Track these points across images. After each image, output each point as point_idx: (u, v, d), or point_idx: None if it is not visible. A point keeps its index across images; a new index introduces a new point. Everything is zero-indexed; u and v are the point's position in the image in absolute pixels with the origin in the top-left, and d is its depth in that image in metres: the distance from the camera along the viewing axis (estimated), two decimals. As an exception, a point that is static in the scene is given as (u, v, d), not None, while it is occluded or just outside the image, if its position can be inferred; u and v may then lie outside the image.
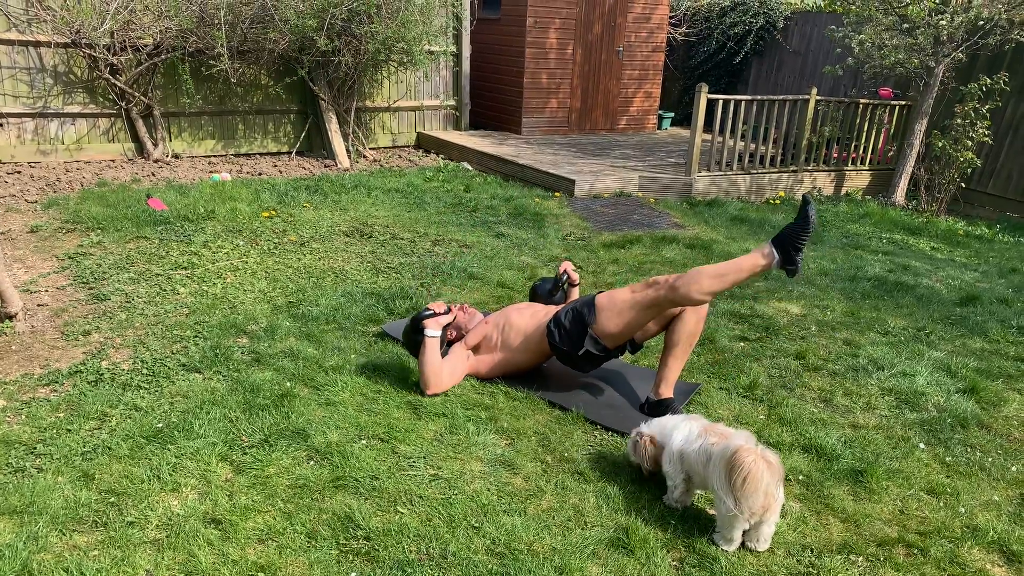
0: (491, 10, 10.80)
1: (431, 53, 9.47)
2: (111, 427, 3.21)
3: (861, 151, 9.19)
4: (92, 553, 2.47)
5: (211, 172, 8.22)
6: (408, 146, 10.50)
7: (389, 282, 5.17)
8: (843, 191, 9.21)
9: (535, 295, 4.27)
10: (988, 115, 8.00)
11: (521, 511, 2.81)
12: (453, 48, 10.22)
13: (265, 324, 4.35)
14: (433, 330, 3.69)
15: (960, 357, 4.29)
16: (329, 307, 4.63)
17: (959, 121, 8.07)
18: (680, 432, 2.80)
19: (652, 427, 2.96)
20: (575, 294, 4.33)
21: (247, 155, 9.22)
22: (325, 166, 8.97)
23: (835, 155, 9.07)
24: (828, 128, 8.78)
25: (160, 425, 3.26)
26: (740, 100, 8.16)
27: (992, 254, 6.83)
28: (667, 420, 2.96)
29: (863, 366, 4.11)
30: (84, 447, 3.05)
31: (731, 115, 8.08)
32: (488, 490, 2.94)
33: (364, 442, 3.22)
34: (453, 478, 3.00)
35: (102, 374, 3.67)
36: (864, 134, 9.09)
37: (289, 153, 9.44)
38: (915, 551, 2.67)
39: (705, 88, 7.85)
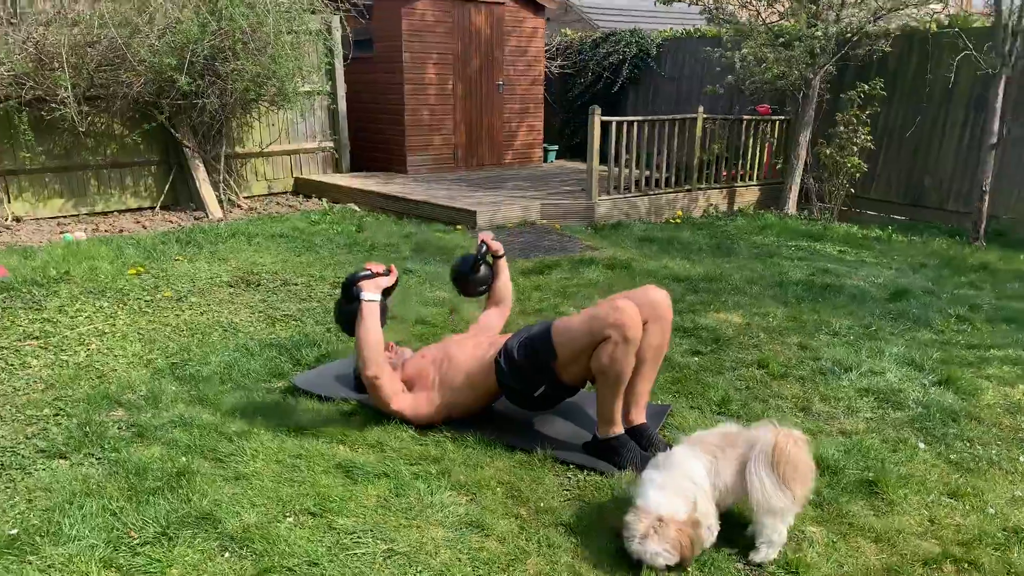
0: (364, 49, 10.33)
1: (306, 93, 8.87)
2: (-56, 543, 2.42)
3: (748, 167, 9.26)
4: None
5: (62, 232, 7.23)
6: (285, 192, 9.77)
7: (289, 331, 4.50)
8: (735, 207, 9.24)
9: (458, 278, 3.65)
10: (868, 121, 8.21)
11: (506, 582, 2.25)
12: (328, 87, 9.65)
13: (145, 391, 3.61)
14: (371, 293, 3.11)
15: (918, 350, 4.09)
16: (221, 364, 3.92)
17: (842, 129, 8.24)
18: (695, 467, 2.31)
19: (665, 498, 2.24)
20: (503, 268, 3.75)
21: (103, 213, 8.24)
22: (196, 219, 8.12)
23: (724, 173, 9.09)
24: (717, 145, 8.79)
25: (14, 531, 2.49)
26: (632, 121, 8.02)
27: (895, 253, 6.89)
28: (668, 480, 2.29)
29: (829, 368, 3.82)
30: (-95, 575, 2.26)
31: (624, 136, 7.91)
32: (459, 560, 2.36)
33: (291, 519, 2.58)
34: (412, 551, 2.40)
35: (-70, 474, 2.85)
36: (750, 150, 9.17)
37: (153, 208, 8.52)
38: (965, 565, 2.31)
39: (598, 110, 7.66)
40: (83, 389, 3.62)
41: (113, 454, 3.00)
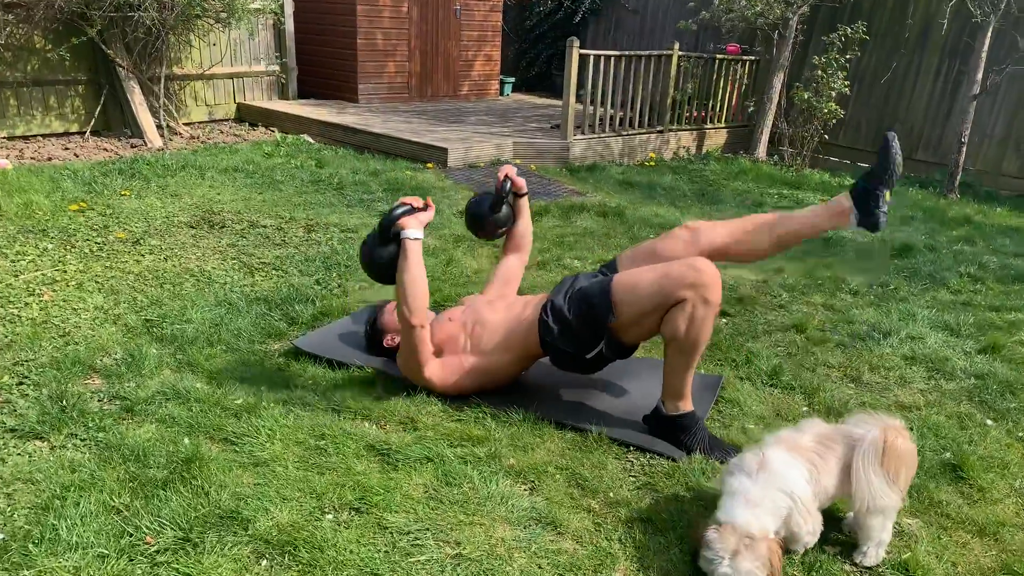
0: (312, -37, 9.50)
1: (255, 10, 8.08)
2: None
3: (718, 109, 9.02)
4: None
5: (-19, 159, 6.43)
6: (227, 119, 9.01)
7: (272, 282, 4.05)
8: (704, 150, 9.02)
9: (474, 219, 3.21)
10: (847, 66, 8.04)
11: (601, 593, 1.98)
12: (276, 4, 8.84)
13: (121, 354, 3.14)
14: (414, 230, 2.75)
15: (947, 313, 3.96)
16: (206, 323, 3.47)
17: (819, 73, 8.05)
18: (794, 479, 2.04)
19: (756, 517, 1.94)
20: (525, 209, 3.34)
21: (25, 138, 7.39)
22: (132, 146, 7.37)
23: (694, 114, 8.83)
24: (691, 85, 8.49)
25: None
26: (610, 56, 7.61)
27: (875, 203, 6.79)
28: (763, 494, 1.98)
29: (867, 333, 3.64)
30: None
31: (601, 72, 7.51)
32: (540, 568, 2.07)
33: (331, 517, 2.23)
34: (483, 556, 2.10)
35: None
36: (721, 91, 8.91)
37: (82, 133, 7.70)
38: (1080, 562, 2.16)
39: (576, 42, 7.22)
40: (47, 351, 3.13)
41: (100, 434, 2.57)
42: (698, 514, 2.28)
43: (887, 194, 2.55)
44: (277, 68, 9.20)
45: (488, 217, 3.18)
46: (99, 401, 2.80)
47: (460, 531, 2.19)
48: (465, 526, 2.22)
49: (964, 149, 7.28)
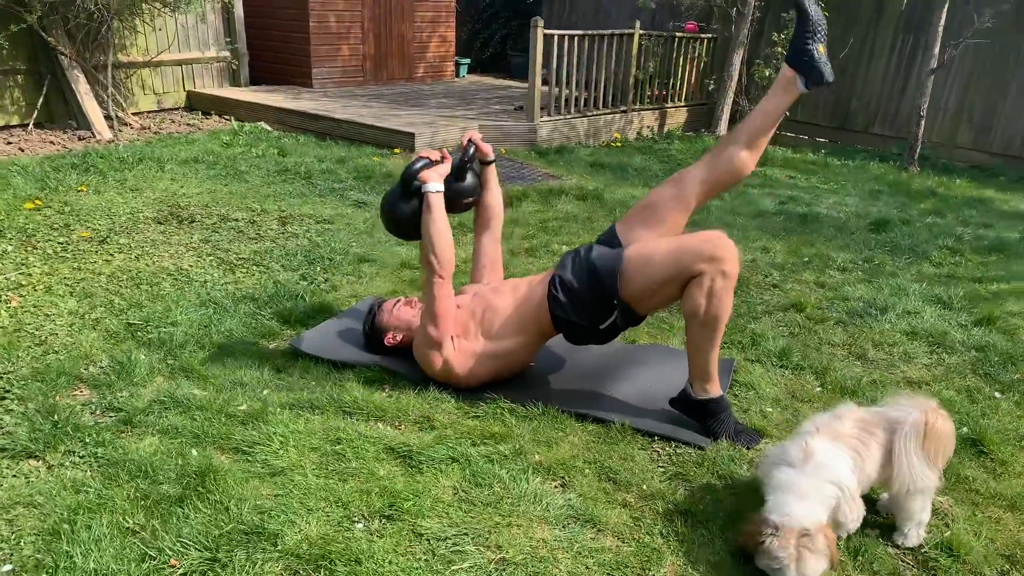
0: (260, -57, 9.17)
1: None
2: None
3: (678, 87, 9.02)
4: None
5: (-81, 156, 6.04)
6: (178, 108, 8.66)
7: (255, 279, 3.89)
8: (665, 129, 9.02)
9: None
10: (806, 42, 8.09)
11: (655, 591, 1.94)
12: (223, -13, 8.51)
13: (108, 362, 2.97)
14: (435, 183, 2.73)
15: (936, 286, 4.02)
16: (193, 325, 3.31)
17: (779, 49, 8.10)
18: (841, 468, 2.02)
19: (810, 510, 1.91)
20: (493, 177, 3.15)
21: (-38, 132, 6.99)
22: (80, 139, 7.02)
23: (655, 93, 8.82)
24: (652, 64, 8.46)
25: (8, 568, 1.93)
26: (574, 35, 7.53)
27: (840, 179, 6.91)
28: (812, 486, 1.95)
29: (864, 310, 3.67)
30: None
31: (565, 52, 7.42)
32: (587, 568, 2.02)
33: (362, 526, 2.14)
34: (526, 560, 2.04)
35: None
36: (681, 69, 8.92)
37: (24, 126, 7.29)
38: (1108, 531, 2.20)
39: (540, 22, 7.11)
40: (25, 361, 2.94)
41: (100, 450, 2.42)
42: (734, 504, 2.25)
43: (820, 47, 2.56)
44: (228, 54, 8.88)
45: (451, 185, 2.86)
46: (92, 413, 2.64)
47: (499, 534, 2.12)
48: (503, 528, 2.15)
49: (923, 123, 7.43)
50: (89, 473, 2.32)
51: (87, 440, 2.46)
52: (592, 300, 2.63)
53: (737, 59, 8.61)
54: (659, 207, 2.69)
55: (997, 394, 2.94)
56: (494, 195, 3.20)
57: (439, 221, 2.72)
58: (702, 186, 2.67)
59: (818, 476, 1.96)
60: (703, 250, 2.45)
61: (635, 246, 2.63)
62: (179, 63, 8.52)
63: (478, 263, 3.20)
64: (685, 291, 2.49)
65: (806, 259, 4.42)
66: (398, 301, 3.10)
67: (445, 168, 2.83)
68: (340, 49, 9.59)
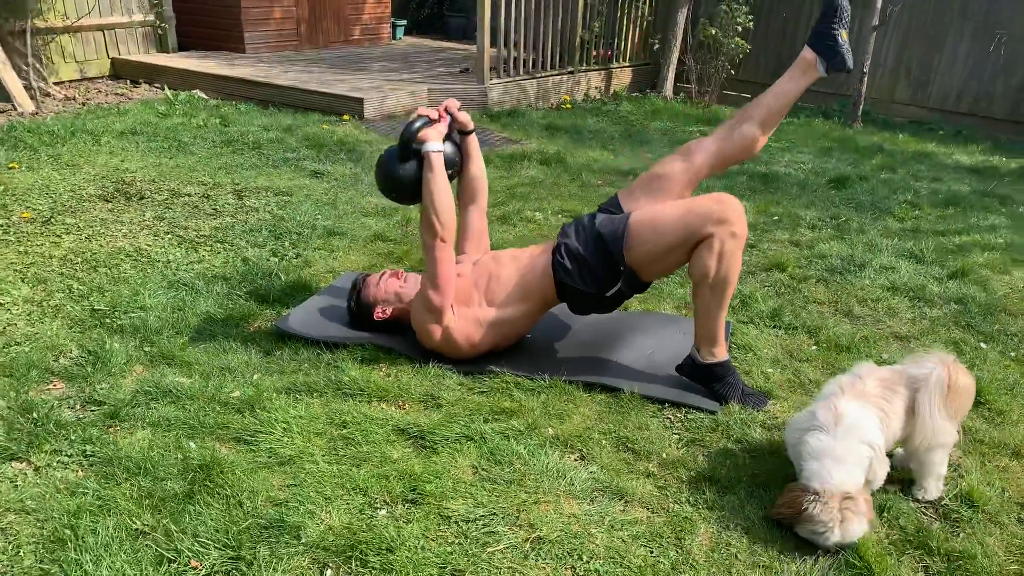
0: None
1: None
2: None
3: (623, 47, 8.97)
4: None
5: None
6: (102, 76, 8.16)
7: (221, 257, 3.70)
8: (612, 90, 8.98)
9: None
10: (750, 0, 8.14)
11: (690, 563, 1.92)
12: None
13: (78, 353, 2.78)
14: (435, 142, 2.64)
15: (904, 240, 4.11)
16: (165, 309, 3.12)
17: (724, 8, 8.11)
18: (871, 428, 2.03)
19: (848, 473, 1.94)
20: (475, 148, 3.03)
21: None
22: (0, 111, 6.55)
23: (601, 53, 8.75)
24: (598, 24, 8.37)
25: (10, 581, 1.80)
26: (521, -6, 7.36)
27: (789, 137, 6.99)
28: (846, 449, 1.97)
29: (843, 267, 3.72)
30: None
31: (513, 11, 7.27)
32: (622, 541, 1.99)
33: (386, 512, 2.06)
34: (560, 536, 2.00)
35: None
36: (626, 28, 8.86)
37: (-65, 98, 6.76)
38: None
39: (488, -20, 6.93)
40: (-13, 356, 2.73)
41: (89, 447, 2.26)
42: (755, 468, 2.26)
43: (843, 33, 2.59)
44: (153, 17, 8.39)
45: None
46: (72, 408, 2.47)
47: (528, 512, 2.07)
48: (531, 506, 2.10)
49: (866, 80, 7.57)
50: (82, 473, 2.17)
51: (72, 437, 2.29)
52: (599, 266, 2.59)
53: (681, 18, 8.60)
54: (667, 178, 2.67)
55: (983, 345, 3.03)
56: (478, 166, 3.10)
57: (441, 182, 2.62)
58: (713, 159, 2.68)
59: (851, 438, 1.97)
60: (712, 212, 2.43)
61: (641, 211, 2.59)
62: (102, 28, 8.01)
63: (463, 236, 3.10)
64: (694, 254, 2.47)
65: (775, 218, 4.46)
66: (383, 273, 2.99)
67: (444, 127, 2.72)
68: (272, 12, 9.17)
